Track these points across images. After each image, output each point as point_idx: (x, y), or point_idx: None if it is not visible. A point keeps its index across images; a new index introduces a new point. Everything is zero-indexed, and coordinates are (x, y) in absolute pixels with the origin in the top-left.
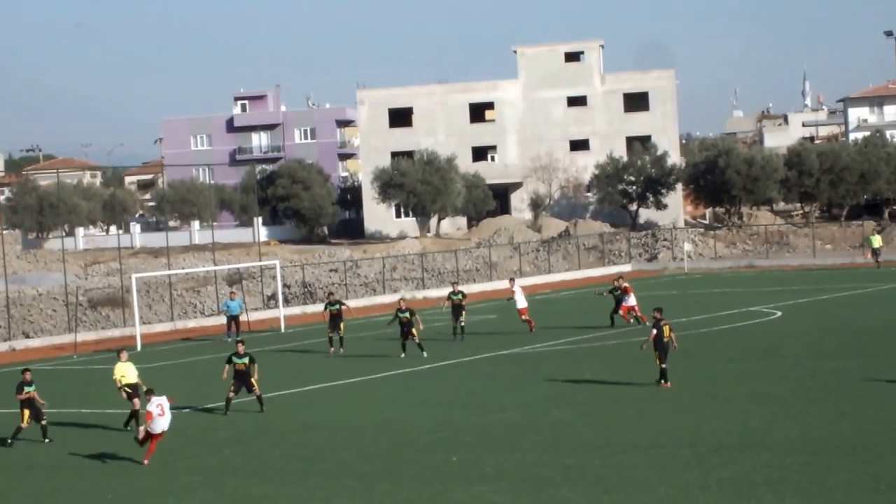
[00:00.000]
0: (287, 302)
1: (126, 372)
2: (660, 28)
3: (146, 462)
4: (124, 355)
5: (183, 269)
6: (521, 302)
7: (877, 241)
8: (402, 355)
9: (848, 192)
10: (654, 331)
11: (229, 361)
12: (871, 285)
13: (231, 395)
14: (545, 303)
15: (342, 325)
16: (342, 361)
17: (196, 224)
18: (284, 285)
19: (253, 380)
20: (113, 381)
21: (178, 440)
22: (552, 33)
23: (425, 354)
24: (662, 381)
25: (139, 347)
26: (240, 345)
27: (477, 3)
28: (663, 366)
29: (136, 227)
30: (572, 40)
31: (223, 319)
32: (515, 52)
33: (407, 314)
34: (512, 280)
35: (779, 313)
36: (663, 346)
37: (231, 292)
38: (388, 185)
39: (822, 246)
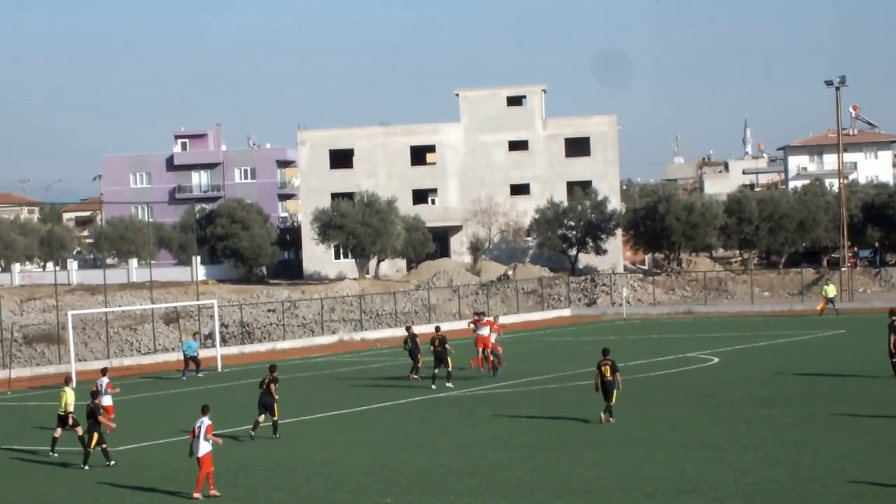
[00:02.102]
0: (224, 341)
1: (71, 399)
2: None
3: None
4: (72, 382)
5: (120, 306)
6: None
7: (831, 290)
8: (433, 386)
9: (787, 240)
10: (597, 371)
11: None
12: (808, 332)
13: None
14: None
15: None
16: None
17: (134, 262)
18: (222, 325)
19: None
20: (63, 405)
21: (110, 477)
22: (495, 77)
23: (450, 385)
24: (606, 416)
25: (74, 384)
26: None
27: (420, 46)
28: (609, 403)
29: (73, 264)
30: (515, 84)
31: (159, 358)
32: (457, 95)
33: (439, 345)
34: (496, 318)
35: (716, 359)
36: (604, 385)
37: (194, 333)
38: (328, 226)
39: (761, 293)
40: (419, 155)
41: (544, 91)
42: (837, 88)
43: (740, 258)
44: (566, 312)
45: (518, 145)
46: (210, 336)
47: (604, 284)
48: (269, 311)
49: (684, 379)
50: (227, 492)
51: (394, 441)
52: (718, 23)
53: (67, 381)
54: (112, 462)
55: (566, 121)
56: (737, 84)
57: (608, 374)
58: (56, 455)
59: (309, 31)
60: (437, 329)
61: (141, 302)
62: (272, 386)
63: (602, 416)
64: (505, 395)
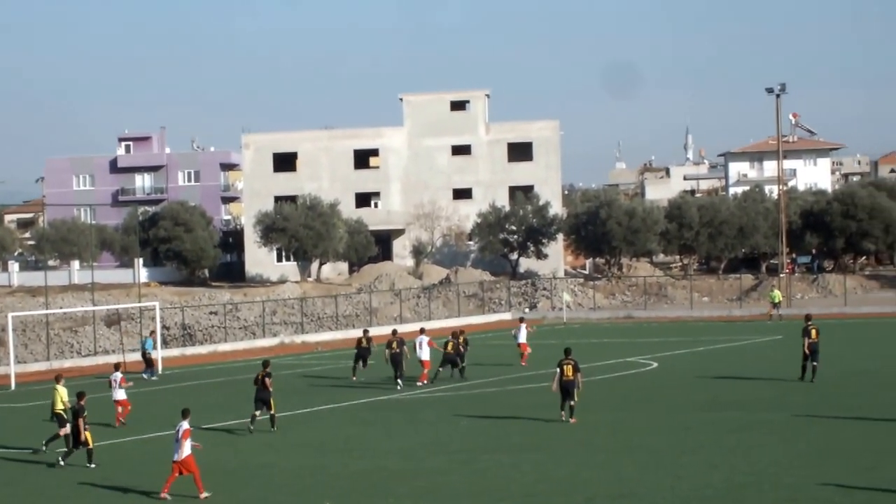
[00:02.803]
0: (166, 343)
1: (65, 396)
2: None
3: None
4: (63, 379)
5: (61, 308)
6: (522, 337)
7: (777, 296)
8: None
9: (726, 246)
10: (557, 370)
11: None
12: (747, 338)
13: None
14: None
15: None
16: (217, 404)
17: (76, 264)
18: (164, 327)
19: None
20: (59, 403)
21: (46, 480)
22: (438, 82)
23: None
24: (567, 415)
25: (13, 387)
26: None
27: (364, 50)
28: (571, 403)
29: (14, 266)
30: (458, 89)
31: (100, 360)
32: (401, 99)
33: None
34: (521, 319)
35: (655, 364)
36: (564, 385)
37: (151, 332)
38: (271, 229)
39: (700, 298)
40: (362, 159)
41: (487, 96)
42: (778, 96)
43: (680, 263)
44: (507, 316)
45: (461, 150)
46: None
47: (544, 288)
48: (210, 313)
49: (624, 383)
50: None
51: (335, 443)
52: (661, 30)
53: (59, 378)
54: (93, 465)
55: (509, 126)
56: (679, 91)
57: (570, 373)
58: (45, 451)
59: (254, 35)
60: (456, 333)
61: (82, 304)
62: (267, 380)
63: (563, 414)
64: (446, 399)
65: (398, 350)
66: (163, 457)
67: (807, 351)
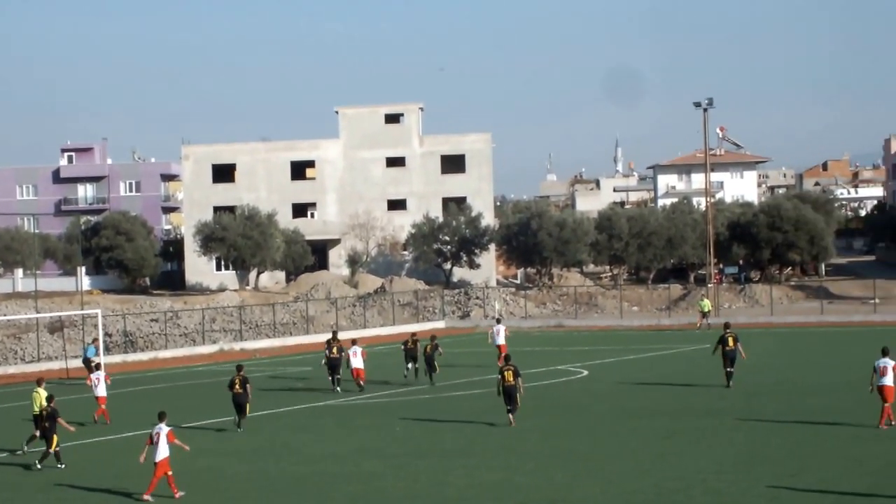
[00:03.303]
0: (108, 350)
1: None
2: (479, 92)
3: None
4: (42, 383)
5: (4, 315)
6: (500, 340)
7: (706, 305)
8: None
9: (655, 256)
10: (499, 376)
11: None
12: (675, 346)
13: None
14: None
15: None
16: (155, 409)
17: (19, 272)
18: (106, 334)
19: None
20: (38, 406)
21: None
22: (374, 95)
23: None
24: (512, 418)
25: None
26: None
27: (301, 63)
28: (508, 407)
29: None
30: (393, 102)
31: (43, 366)
32: (337, 112)
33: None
34: (498, 321)
35: (585, 372)
36: (506, 389)
37: (94, 339)
38: (210, 239)
39: (630, 308)
40: (299, 170)
41: (421, 109)
42: (705, 110)
43: (610, 274)
44: (440, 324)
45: (395, 161)
46: (93, 342)
47: (477, 297)
48: (151, 320)
49: (554, 391)
50: (106, 500)
51: (272, 449)
52: (593, 45)
53: (40, 381)
54: (62, 465)
55: (442, 138)
56: (609, 104)
57: (510, 378)
58: (23, 452)
59: (195, 48)
60: (433, 336)
61: (26, 311)
62: (248, 385)
63: (511, 418)
64: (382, 405)
65: (337, 355)
66: (123, 457)
67: (726, 358)
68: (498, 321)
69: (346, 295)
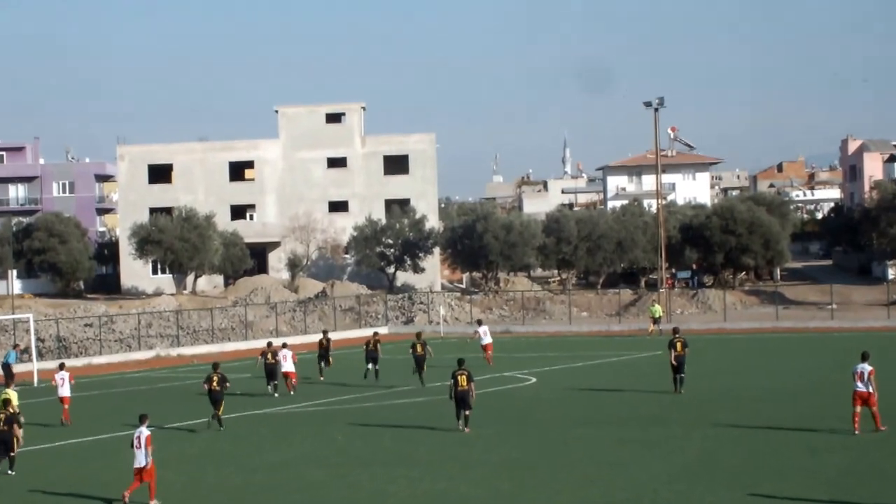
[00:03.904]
0: (41, 356)
1: (15, 401)
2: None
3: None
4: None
5: None
6: (487, 339)
7: (657, 311)
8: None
9: (605, 260)
10: (452, 380)
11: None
12: (626, 353)
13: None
14: (300, 364)
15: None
16: (93, 416)
17: None
18: (38, 339)
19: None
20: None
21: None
22: (314, 95)
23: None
24: (462, 424)
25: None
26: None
27: (240, 62)
28: (466, 412)
29: None
30: (334, 102)
31: None
32: (276, 111)
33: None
34: (480, 322)
35: (533, 379)
36: (459, 395)
37: (15, 345)
38: (146, 241)
39: (579, 313)
40: (237, 171)
41: (363, 108)
42: (656, 110)
43: (559, 278)
44: (384, 330)
45: (337, 162)
46: (26, 351)
47: (421, 302)
48: (85, 325)
49: (501, 398)
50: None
51: (210, 458)
52: (541, 44)
53: (8, 383)
54: (12, 472)
55: (385, 138)
56: (557, 103)
57: (464, 383)
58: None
59: (132, 46)
60: (419, 334)
61: None
62: (226, 384)
63: (459, 424)
64: (320, 414)
65: (274, 361)
66: (70, 463)
67: (674, 363)
68: (480, 322)
69: (287, 299)
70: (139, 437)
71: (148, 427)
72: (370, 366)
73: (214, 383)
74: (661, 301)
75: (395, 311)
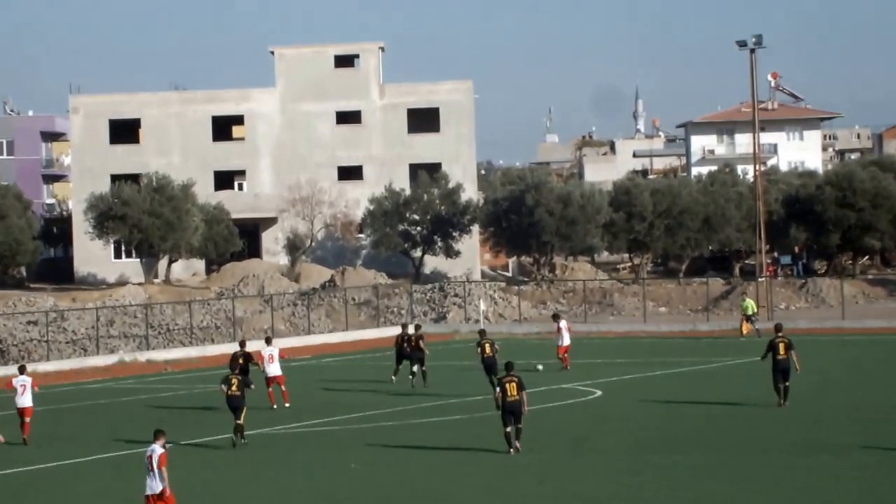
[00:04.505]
0: None
1: None
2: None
3: None
4: None
5: None
6: (565, 340)
7: (750, 306)
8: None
9: (689, 242)
10: (498, 389)
11: None
12: (714, 360)
13: None
14: (302, 372)
15: None
16: (43, 438)
17: None
18: None
19: None
20: None
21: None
22: (320, 33)
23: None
24: (513, 443)
25: None
26: None
27: None
28: (507, 429)
29: None
30: (345, 41)
31: None
32: (272, 53)
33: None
34: (556, 316)
35: (598, 392)
36: (508, 406)
37: None
38: (107, 217)
39: (656, 308)
40: (223, 128)
41: (382, 49)
42: (752, 51)
43: (630, 264)
44: (409, 330)
45: (348, 117)
46: None
47: (456, 295)
48: (28, 323)
49: (557, 417)
50: None
51: (189, 491)
52: None
53: None
54: None
55: (409, 87)
56: (625, 42)
57: (514, 392)
58: None
59: None
60: (483, 332)
61: None
62: (249, 387)
63: (514, 443)
64: (329, 434)
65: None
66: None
67: (776, 369)
68: (558, 317)
69: (285, 291)
70: (151, 458)
71: (164, 445)
72: (415, 368)
73: (234, 387)
74: (760, 293)
75: (423, 305)
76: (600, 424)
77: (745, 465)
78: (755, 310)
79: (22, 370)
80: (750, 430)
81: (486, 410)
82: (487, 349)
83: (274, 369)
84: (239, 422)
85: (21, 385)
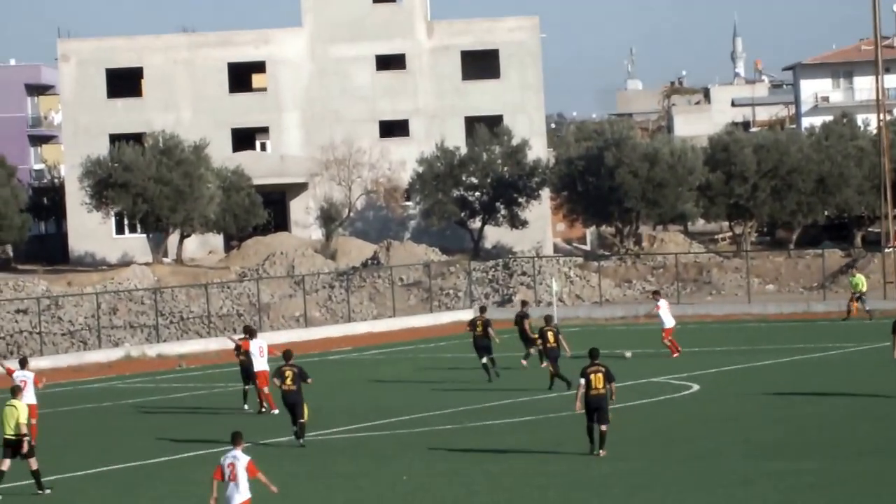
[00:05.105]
0: None
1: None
2: None
3: None
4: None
5: None
6: (668, 321)
7: (860, 282)
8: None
9: (800, 207)
10: (582, 380)
11: None
12: (834, 346)
13: None
14: (342, 366)
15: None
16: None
17: None
18: None
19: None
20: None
21: None
22: None
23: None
24: (596, 446)
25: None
26: None
27: None
28: (602, 427)
29: None
30: None
31: None
32: None
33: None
34: (657, 293)
35: (696, 387)
36: (592, 401)
37: None
38: (106, 185)
39: (762, 286)
40: (241, 77)
41: None
42: None
43: (730, 234)
44: (466, 315)
45: (390, 62)
46: None
47: (524, 273)
48: (17, 311)
49: (648, 417)
50: None
51: None
52: None
53: (16, 392)
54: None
55: (463, 25)
56: None
57: (599, 384)
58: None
59: None
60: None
61: None
62: (306, 380)
63: (596, 443)
64: (372, 441)
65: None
66: None
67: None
68: (657, 294)
69: (319, 270)
70: (234, 466)
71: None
72: (484, 359)
73: (289, 380)
74: (884, 266)
75: (484, 286)
76: (699, 425)
77: (878, 472)
78: (864, 287)
79: (23, 363)
80: (883, 429)
81: (561, 410)
82: (551, 339)
83: (261, 364)
84: (302, 420)
85: (21, 381)
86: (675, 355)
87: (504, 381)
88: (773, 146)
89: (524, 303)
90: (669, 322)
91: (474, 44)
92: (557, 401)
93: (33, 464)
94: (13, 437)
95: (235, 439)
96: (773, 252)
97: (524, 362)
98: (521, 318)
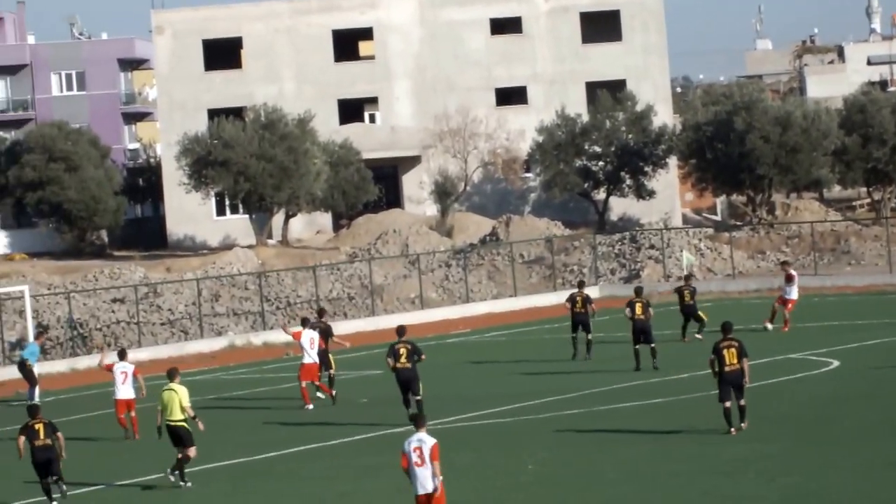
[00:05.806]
0: (45, 352)
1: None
2: None
3: None
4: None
5: None
6: (794, 293)
7: None
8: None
9: None
10: (714, 358)
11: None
12: None
13: None
14: (460, 350)
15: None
16: (133, 450)
17: None
18: (39, 325)
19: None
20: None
21: None
22: None
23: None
24: (735, 424)
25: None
26: None
27: None
28: (740, 402)
29: None
30: None
31: None
32: None
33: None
34: (787, 264)
35: (835, 363)
36: (726, 377)
37: (39, 333)
38: (205, 164)
39: None
40: (347, 45)
41: None
42: None
43: (869, 200)
44: (592, 292)
45: (505, 26)
46: (20, 345)
47: (652, 247)
48: (114, 301)
49: (785, 395)
50: None
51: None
52: None
53: (173, 374)
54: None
55: None
56: None
57: (733, 359)
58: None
59: None
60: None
61: None
62: (420, 357)
63: (733, 422)
64: (497, 428)
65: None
66: None
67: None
68: (787, 264)
69: (435, 248)
70: (421, 449)
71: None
72: (577, 334)
73: (403, 357)
74: None
75: (611, 260)
76: (840, 404)
77: None
78: None
79: (122, 355)
80: None
81: (694, 391)
82: (639, 310)
83: (311, 357)
84: (418, 397)
85: (122, 372)
86: (785, 329)
87: (634, 363)
88: None
89: (688, 276)
90: (794, 294)
91: (594, 4)
92: (689, 381)
93: (192, 452)
94: (175, 423)
95: (418, 422)
96: None
97: (699, 335)
98: (683, 291)
